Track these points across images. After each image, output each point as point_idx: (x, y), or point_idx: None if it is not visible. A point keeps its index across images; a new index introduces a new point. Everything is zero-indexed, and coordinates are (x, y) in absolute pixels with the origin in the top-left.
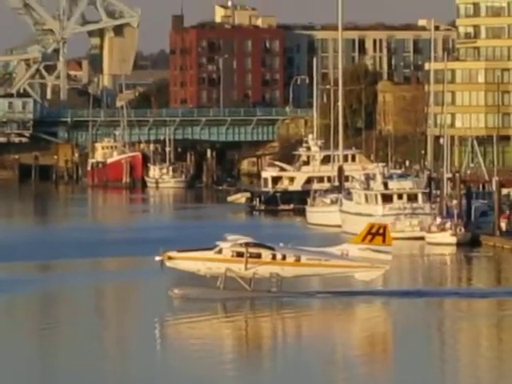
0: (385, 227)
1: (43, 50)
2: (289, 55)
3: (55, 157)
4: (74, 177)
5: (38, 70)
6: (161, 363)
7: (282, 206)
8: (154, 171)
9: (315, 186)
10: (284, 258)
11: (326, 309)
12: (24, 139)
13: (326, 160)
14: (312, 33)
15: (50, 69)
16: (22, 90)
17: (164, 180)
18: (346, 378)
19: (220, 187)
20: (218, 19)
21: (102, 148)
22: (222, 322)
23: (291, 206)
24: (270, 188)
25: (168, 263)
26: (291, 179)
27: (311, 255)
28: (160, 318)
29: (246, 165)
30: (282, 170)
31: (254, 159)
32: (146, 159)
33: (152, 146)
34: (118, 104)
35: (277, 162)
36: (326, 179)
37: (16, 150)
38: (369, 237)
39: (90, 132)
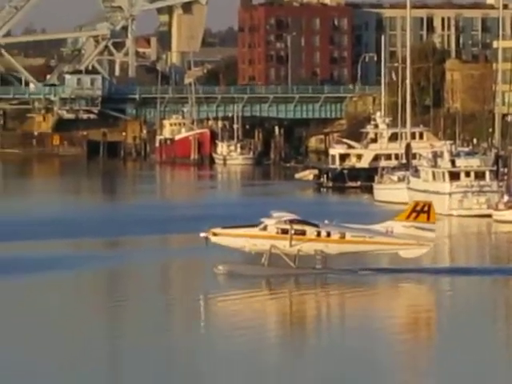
0: (429, 205)
1: (112, 27)
2: (357, 33)
3: (123, 133)
4: (142, 153)
5: (106, 47)
6: (205, 340)
7: (350, 183)
8: (221, 148)
9: (383, 163)
10: (329, 234)
11: (375, 286)
12: (92, 116)
13: (393, 137)
14: (380, 11)
15: (119, 46)
16: (90, 67)
17: (232, 157)
18: (392, 357)
19: (288, 164)
20: None
21: (170, 125)
22: (267, 298)
23: (358, 183)
24: (337, 165)
25: (213, 239)
26: (359, 156)
27: (356, 232)
28: (205, 294)
29: (313, 142)
30: (350, 147)
31: (322, 136)
32: (214, 136)
33: (220, 123)
34: (187, 81)
35: (344, 140)
36: (393, 157)
37: (84, 126)
38: (413, 214)
39: (158, 109)
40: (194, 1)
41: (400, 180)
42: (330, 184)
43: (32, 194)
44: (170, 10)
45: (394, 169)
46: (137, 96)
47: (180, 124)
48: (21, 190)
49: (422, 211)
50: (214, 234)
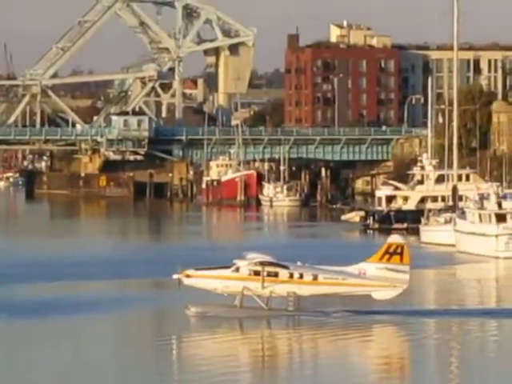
0: (402, 247)
1: (159, 68)
2: (404, 75)
3: (170, 174)
4: (188, 195)
5: (153, 88)
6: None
7: (396, 225)
8: (268, 189)
9: (429, 205)
10: (301, 276)
11: (352, 328)
12: (139, 157)
13: (440, 179)
14: (427, 53)
15: (166, 87)
16: (137, 108)
17: (278, 198)
18: None
19: (334, 206)
20: (333, 39)
21: (217, 166)
22: (239, 340)
23: (405, 225)
24: (384, 207)
25: (185, 281)
26: (405, 198)
27: (328, 274)
28: (177, 336)
29: (360, 184)
30: (397, 189)
31: (369, 178)
32: (260, 177)
33: (266, 165)
34: (233, 122)
35: (391, 181)
36: (440, 198)
37: (131, 167)
38: (386, 256)
39: (205, 150)
40: (241, 43)
41: (447, 222)
42: (377, 226)
43: (79, 235)
44: (216, 51)
45: (440, 211)
46: (183, 137)
47: (227, 165)
48: (68, 230)
49: (395, 253)
50: (187, 276)
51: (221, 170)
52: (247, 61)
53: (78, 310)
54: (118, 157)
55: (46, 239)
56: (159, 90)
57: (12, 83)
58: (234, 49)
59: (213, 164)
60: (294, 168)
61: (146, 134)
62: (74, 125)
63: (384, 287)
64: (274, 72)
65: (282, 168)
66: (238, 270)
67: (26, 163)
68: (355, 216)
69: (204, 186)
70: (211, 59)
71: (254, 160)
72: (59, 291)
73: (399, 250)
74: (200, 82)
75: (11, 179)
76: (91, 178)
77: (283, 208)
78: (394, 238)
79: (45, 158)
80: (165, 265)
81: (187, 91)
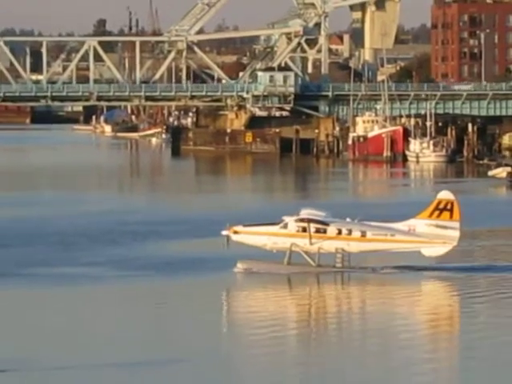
0: (452, 203)
1: (305, 23)
2: None
3: (316, 130)
4: (334, 151)
5: (299, 44)
6: (227, 335)
7: None
8: (414, 145)
9: None
10: (350, 233)
11: (390, 283)
12: (285, 113)
13: None
14: None
15: (312, 43)
16: (283, 64)
17: (425, 154)
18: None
19: (481, 162)
20: None
21: (363, 122)
22: (286, 297)
23: None
24: None
25: (234, 238)
26: None
27: (377, 230)
28: (226, 292)
29: (507, 139)
30: None
31: None
32: (406, 133)
33: (413, 120)
34: (379, 78)
35: None
36: None
37: (277, 123)
38: (436, 212)
39: (351, 106)
40: None
41: None
42: None
43: (225, 192)
44: (363, 6)
45: None
46: (330, 93)
47: (373, 121)
48: (214, 187)
49: (445, 209)
50: (235, 232)
51: (367, 125)
52: (393, 16)
53: (221, 267)
54: (263, 113)
55: (191, 196)
56: (305, 46)
57: (158, 39)
58: (380, 4)
59: (359, 120)
60: (440, 123)
61: (291, 89)
62: (219, 81)
63: (433, 244)
64: (421, 27)
65: (428, 124)
66: (286, 226)
67: (171, 119)
68: (502, 171)
69: (350, 141)
70: (357, 14)
71: (401, 116)
72: (204, 249)
73: (449, 207)
74: (346, 37)
75: (163, 135)
76: (237, 134)
77: (429, 164)
78: (444, 194)
79: (190, 114)
80: None
81: (333, 47)
